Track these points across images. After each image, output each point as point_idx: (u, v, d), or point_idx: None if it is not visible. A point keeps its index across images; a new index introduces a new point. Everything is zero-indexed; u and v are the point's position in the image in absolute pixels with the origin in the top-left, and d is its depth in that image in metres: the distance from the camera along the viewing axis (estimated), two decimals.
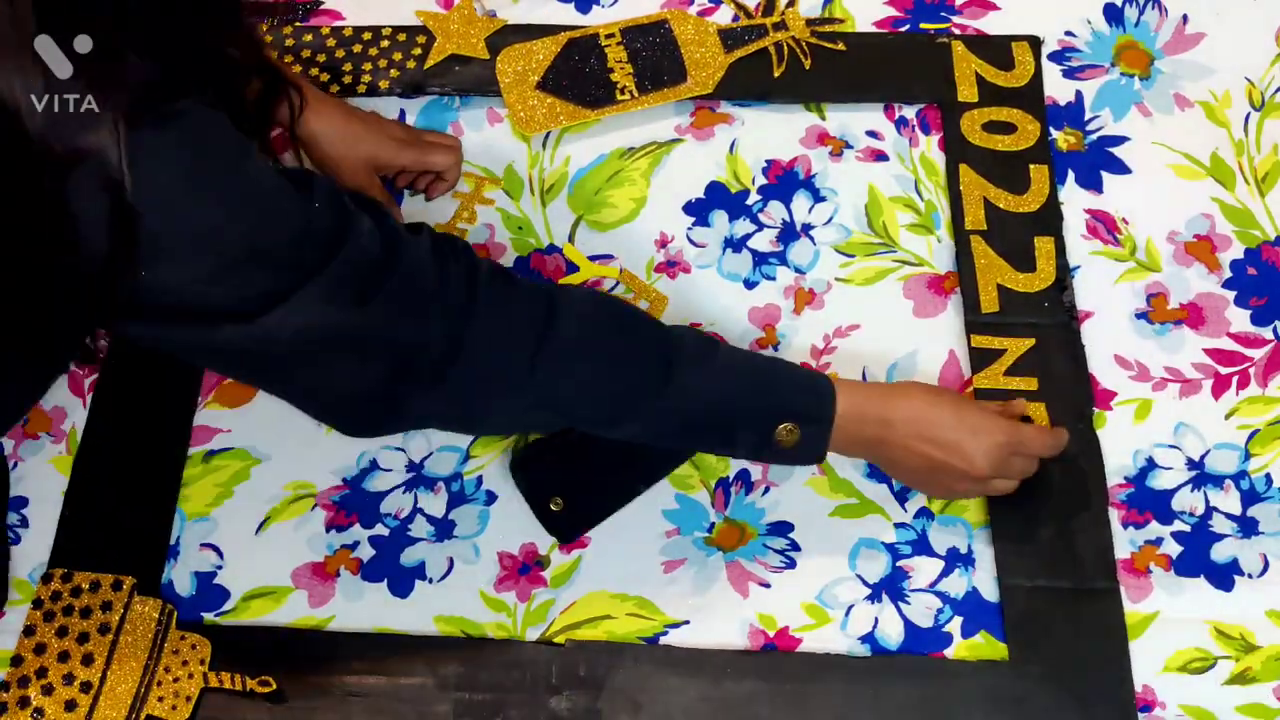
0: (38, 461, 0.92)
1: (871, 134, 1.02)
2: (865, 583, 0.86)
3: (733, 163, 1.02)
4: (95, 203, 0.57)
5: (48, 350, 0.73)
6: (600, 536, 0.88)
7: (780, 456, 0.82)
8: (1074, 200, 0.98)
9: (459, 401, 0.75)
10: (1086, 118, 1.02)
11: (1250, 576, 0.86)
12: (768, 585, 0.87)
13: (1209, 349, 0.93)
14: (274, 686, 0.83)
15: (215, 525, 0.90)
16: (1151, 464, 0.89)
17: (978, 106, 1.02)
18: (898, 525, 0.88)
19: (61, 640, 0.84)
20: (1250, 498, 0.88)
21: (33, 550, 0.89)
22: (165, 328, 0.65)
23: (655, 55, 1.04)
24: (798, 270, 0.97)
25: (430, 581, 0.88)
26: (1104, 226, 0.98)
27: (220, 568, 0.89)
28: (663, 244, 0.99)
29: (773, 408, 0.80)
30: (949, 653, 0.84)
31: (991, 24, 1.06)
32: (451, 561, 0.88)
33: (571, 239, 0.99)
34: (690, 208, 1.00)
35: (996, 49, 1.04)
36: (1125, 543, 0.87)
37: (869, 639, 0.85)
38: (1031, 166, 0.99)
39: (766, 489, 0.89)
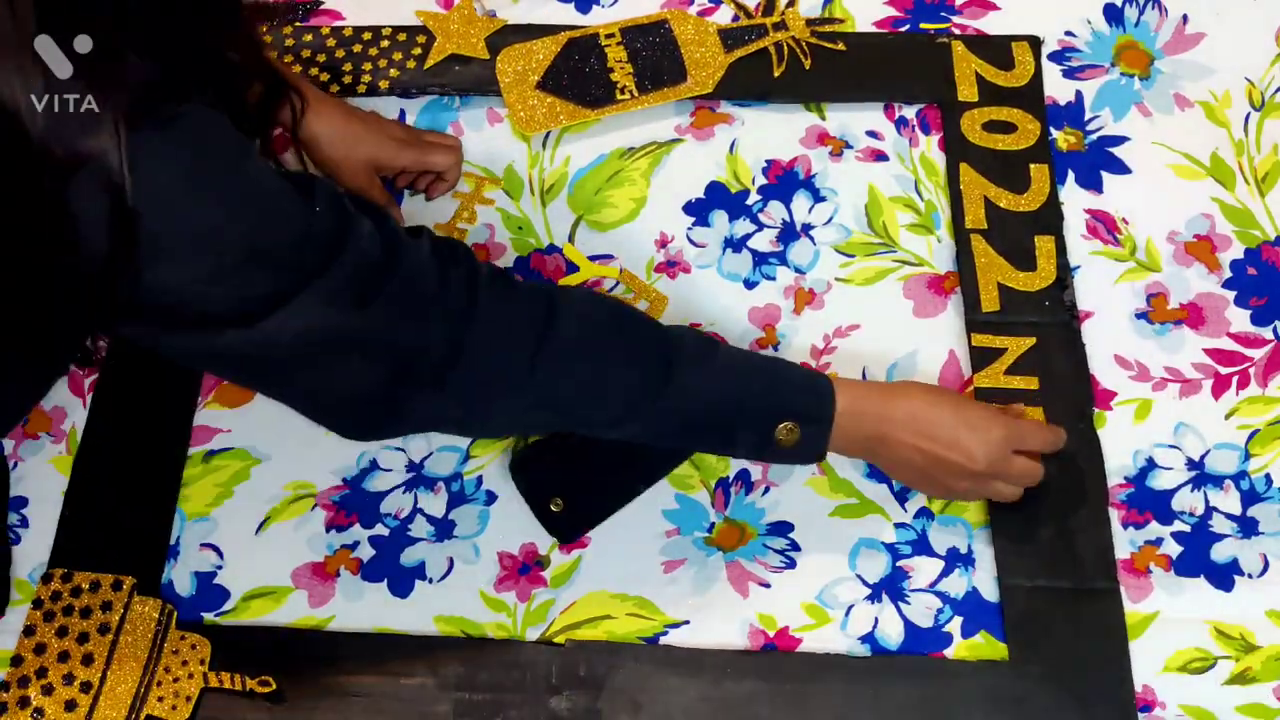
0: (38, 461, 0.92)
1: (871, 134, 1.02)
2: (865, 583, 0.86)
3: (733, 163, 1.02)
4: (95, 203, 0.57)
5: (48, 351, 0.73)
6: (600, 536, 0.88)
7: (780, 456, 0.82)
8: (1074, 200, 0.98)
9: (460, 403, 0.75)
10: (1086, 118, 1.02)
11: (1250, 576, 0.86)
12: (768, 585, 0.87)
13: (1209, 349, 0.93)
14: (274, 686, 0.83)
15: (215, 525, 0.90)
16: (1151, 464, 0.89)
17: (978, 106, 1.02)
18: (898, 525, 0.88)
19: (61, 640, 0.84)
20: (1250, 498, 0.88)
21: (33, 550, 0.89)
22: (165, 330, 0.65)
23: (655, 55, 1.04)
24: (798, 270, 0.97)
25: (430, 581, 0.88)
26: (1104, 226, 0.98)
27: (220, 568, 0.89)
28: (663, 244, 0.99)
29: (773, 407, 0.80)
30: (949, 653, 0.84)
31: (991, 24, 1.06)
32: (451, 561, 0.88)
33: (571, 239, 0.99)
34: (690, 208, 1.00)
35: (996, 49, 1.04)
36: (1125, 543, 0.87)
37: (869, 639, 0.85)
38: (1032, 166, 0.99)
39: (766, 489, 0.89)
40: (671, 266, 0.98)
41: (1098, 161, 1.00)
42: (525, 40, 1.05)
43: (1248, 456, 0.89)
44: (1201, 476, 0.89)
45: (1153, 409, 0.91)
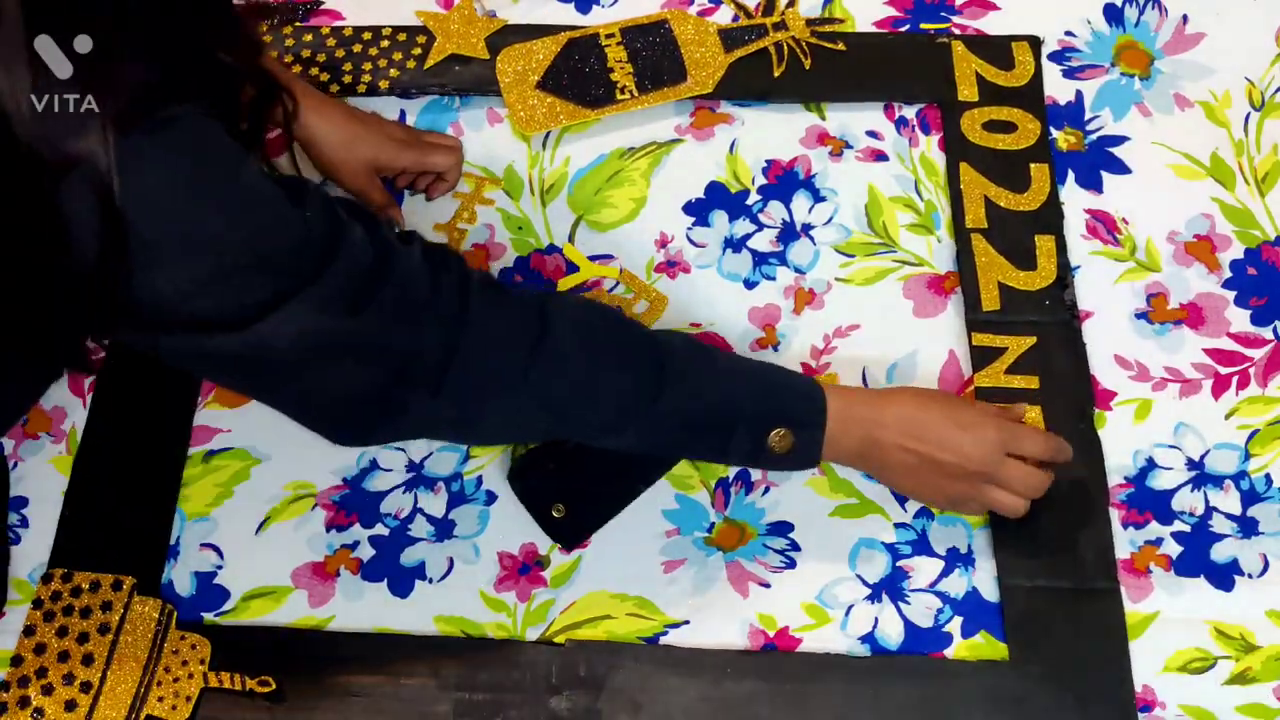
0: (38, 461, 0.92)
1: (871, 134, 1.02)
2: (865, 583, 0.86)
3: (733, 163, 1.02)
4: (85, 205, 0.57)
5: (47, 351, 0.73)
6: (600, 537, 0.88)
7: (774, 462, 0.82)
8: (1074, 200, 0.98)
9: (455, 404, 0.75)
10: (1086, 118, 1.02)
11: (1250, 576, 0.86)
12: (768, 585, 0.87)
13: (1209, 349, 0.93)
14: (274, 686, 0.83)
15: (215, 525, 0.90)
16: (1151, 464, 0.89)
17: (978, 106, 1.02)
18: (898, 525, 0.88)
19: (61, 640, 0.84)
20: (1250, 498, 0.88)
21: (33, 550, 0.89)
22: (162, 333, 0.65)
23: (655, 55, 1.04)
24: (798, 270, 0.97)
25: (430, 581, 0.88)
26: (1104, 226, 0.98)
27: (220, 568, 0.89)
28: (663, 244, 0.99)
29: (765, 412, 0.80)
30: (949, 653, 0.84)
31: (991, 24, 1.06)
32: (451, 561, 0.88)
33: (571, 239, 0.99)
34: (690, 208, 1.00)
35: (996, 49, 1.04)
36: (1125, 543, 0.87)
37: (869, 639, 0.85)
38: (1032, 165, 0.99)
39: (766, 489, 0.89)
40: (671, 266, 0.98)
41: (1098, 161, 1.00)
42: (525, 40, 1.05)
43: (1248, 456, 0.89)
44: (1201, 476, 0.89)
45: (1153, 409, 0.91)
